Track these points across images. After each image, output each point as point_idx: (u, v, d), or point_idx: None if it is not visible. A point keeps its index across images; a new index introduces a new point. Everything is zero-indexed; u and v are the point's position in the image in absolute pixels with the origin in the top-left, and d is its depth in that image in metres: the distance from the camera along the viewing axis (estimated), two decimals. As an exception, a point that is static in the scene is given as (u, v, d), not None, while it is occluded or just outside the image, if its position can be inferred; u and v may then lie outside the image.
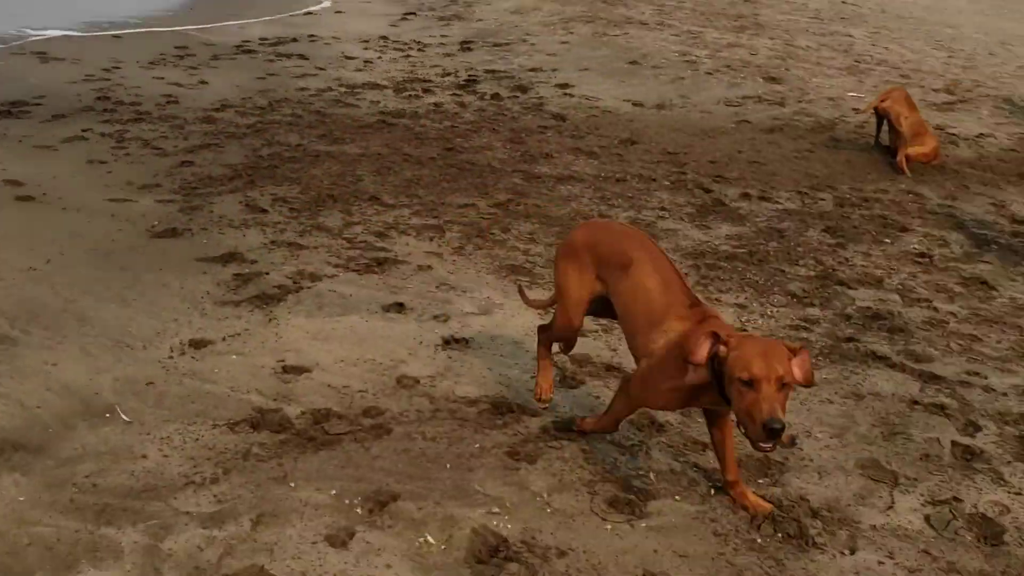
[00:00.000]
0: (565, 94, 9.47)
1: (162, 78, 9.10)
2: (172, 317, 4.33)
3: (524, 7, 13.97)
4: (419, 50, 11.37)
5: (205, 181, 6.28)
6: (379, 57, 10.82)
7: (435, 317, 4.60)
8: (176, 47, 10.61)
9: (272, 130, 7.59)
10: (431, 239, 5.64)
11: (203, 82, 9.07)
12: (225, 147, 7.05)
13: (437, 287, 4.98)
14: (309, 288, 4.78)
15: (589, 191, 6.75)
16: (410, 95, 9.14)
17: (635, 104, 9.21)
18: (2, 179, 6.00)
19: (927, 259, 5.85)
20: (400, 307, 4.65)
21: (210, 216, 5.64)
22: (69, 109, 7.75)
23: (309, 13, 13.80)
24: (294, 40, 11.46)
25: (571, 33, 12.11)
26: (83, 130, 7.18)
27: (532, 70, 10.35)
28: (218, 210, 5.75)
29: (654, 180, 7.06)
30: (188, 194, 6.02)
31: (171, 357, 3.96)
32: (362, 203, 6.14)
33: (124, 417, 3.49)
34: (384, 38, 11.98)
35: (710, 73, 10.24)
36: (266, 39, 11.42)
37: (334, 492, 3.13)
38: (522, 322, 4.60)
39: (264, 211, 5.80)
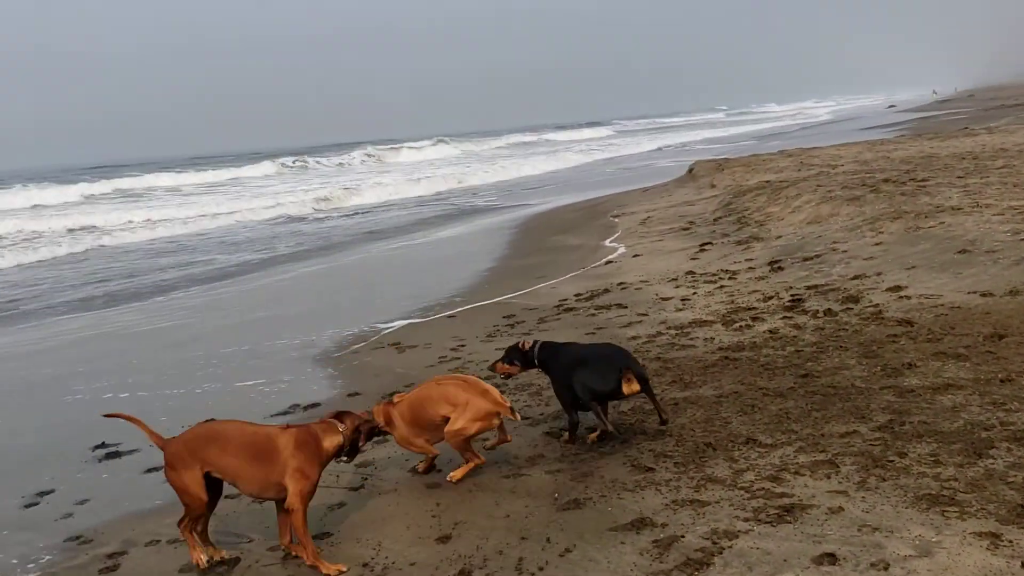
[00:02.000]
0: (901, 297, 9.12)
1: (502, 348, 9.75)
2: (612, 595, 4.36)
3: (820, 216, 13.94)
4: (730, 278, 11.54)
5: (583, 445, 6.50)
6: (694, 293, 11.07)
7: (872, 565, 4.31)
8: (504, 316, 11.44)
9: (621, 384, 7.83)
10: (828, 476, 5.42)
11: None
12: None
13: (859, 530, 4.71)
14: (730, 548, 4.68)
15: (976, 398, 6.28)
16: (740, 326, 9.19)
17: (984, 295, 8.67)
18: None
19: None
20: (832, 558, 4.42)
21: (603, 481, 5.78)
22: (437, 393, 8.45)
23: (609, 262, 14.56)
24: (606, 291, 12.05)
25: (881, 233, 11.85)
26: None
27: (855, 278, 10.13)
28: (607, 474, 5.89)
29: (1045, 375, 6.46)
30: (572, 461, 6.24)
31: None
32: (740, 447, 6.07)
33: None
34: (691, 273, 12.31)
35: (1056, 247, 9.52)
36: (580, 294, 12.10)
37: None
38: (971, 560, 4.20)
39: (651, 469, 5.87)
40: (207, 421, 5.55)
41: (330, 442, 5.30)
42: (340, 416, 5.47)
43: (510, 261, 16.41)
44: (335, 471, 6.57)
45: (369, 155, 69.48)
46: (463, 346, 10.13)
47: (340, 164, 66.35)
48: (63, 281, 19.83)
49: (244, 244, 24.34)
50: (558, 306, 11.57)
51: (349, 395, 8.56)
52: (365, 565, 5.07)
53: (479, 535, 5.25)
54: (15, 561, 5.72)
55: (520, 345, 6.96)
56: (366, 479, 6.41)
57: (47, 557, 5.72)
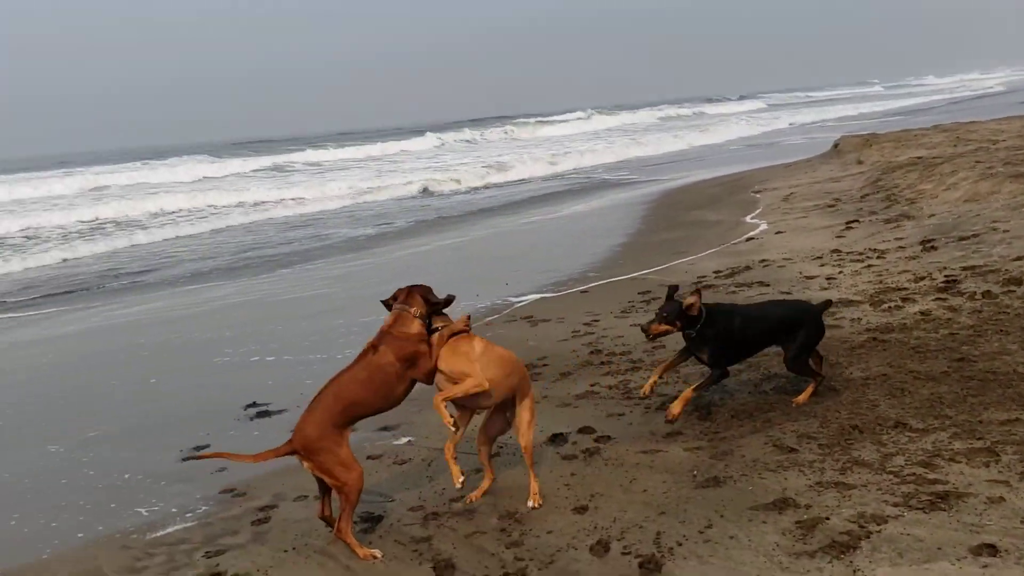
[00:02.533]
0: (1071, 279, 8.51)
1: (639, 324, 9.62)
2: (755, 572, 4.27)
3: (979, 194, 13.15)
4: (878, 257, 11.05)
5: (722, 424, 6.38)
6: (839, 272, 10.66)
7: (1037, 559, 4.05)
8: (639, 292, 11.30)
9: (765, 363, 7.61)
10: (987, 465, 5.13)
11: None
12: (727, 386, 7.17)
13: (1022, 522, 4.43)
14: (878, 532, 4.50)
15: None
16: (890, 306, 8.79)
17: None
18: (576, 430, 6.56)
19: None
20: (992, 549, 4.19)
21: (743, 460, 5.65)
22: (571, 366, 8.44)
23: (751, 239, 14.18)
24: (748, 268, 11.74)
25: (1048, 212, 11.08)
26: (591, 384, 7.75)
27: (1018, 259, 9.51)
28: (748, 453, 5.76)
29: None
30: (712, 439, 6.13)
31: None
32: (889, 431, 5.81)
33: None
34: (836, 251, 11.85)
35: None
36: (720, 271, 11.84)
37: None
38: None
39: (794, 450, 5.70)
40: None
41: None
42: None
43: (646, 236, 16.22)
44: (474, 437, 6.68)
45: (512, 128, 69.19)
46: (596, 321, 10.09)
47: (505, 134, 65.93)
48: (219, 249, 20.86)
49: (379, 218, 24.95)
50: (696, 283, 11.34)
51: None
52: (503, 531, 5.13)
53: (616, 508, 5.23)
54: (174, 510, 6.07)
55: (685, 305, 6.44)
56: (501, 447, 6.48)
57: (203, 508, 6.05)
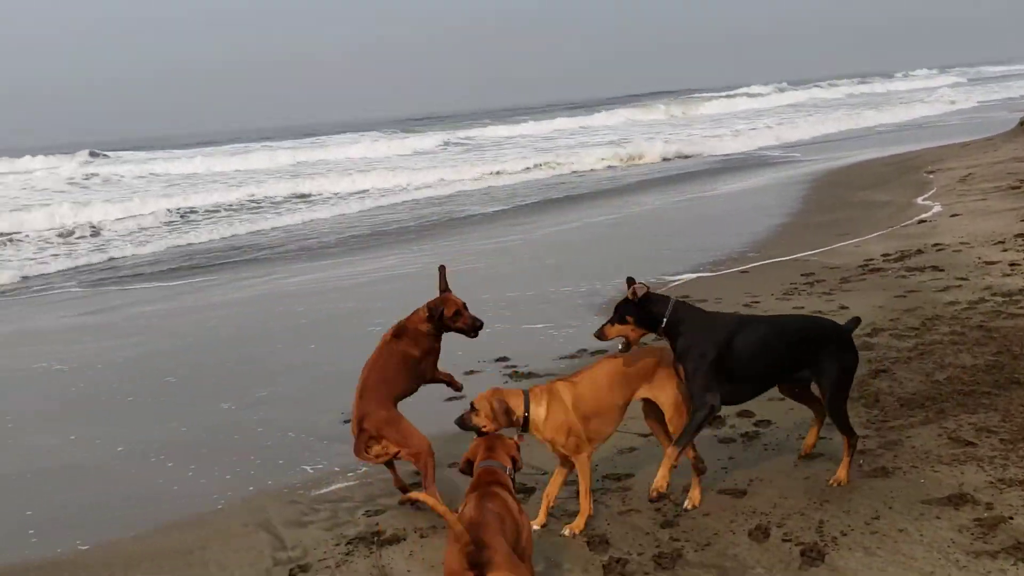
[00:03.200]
0: None
1: (802, 307, 9.30)
2: (928, 569, 4.04)
3: None
4: (1072, 242, 10.21)
5: (891, 413, 6.06)
6: (1024, 257, 9.92)
7: None
8: (802, 274, 10.87)
9: (938, 352, 7.19)
10: None
11: (843, 307, 9.06)
12: (896, 374, 6.81)
13: None
14: (1069, 537, 4.16)
15: None
16: (1083, 296, 8.11)
17: None
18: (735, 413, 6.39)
19: None
20: None
21: (914, 452, 5.36)
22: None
23: (923, 221, 13.41)
24: (919, 252, 11.10)
25: None
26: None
27: None
28: (919, 444, 5.45)
29: None
30: (880, 427, 5.84)
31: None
32: (1082, 429, 5.36)
33: None
34: (1021, 236, 11.03)
35: None
36: (888, 255, 11.25)
37: None
38: None
39: (971, 444, 5.36)
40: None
41: None
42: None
43: (807, 216, 15.61)
44: (627, 416, 6.62)
45: (674, 106, 67.33)
46: (757, 302, 9.78)
47: (680, 112, 64.12)
48: (376, 224, 21.52)
49: (528, 193, 25.05)
50: (863, 266, 10.84)
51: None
52: (657, 510, 5.06)
53: (776, 494, 5.06)
54: (337, 469, 6.32)
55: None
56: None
57: (363, 468, 6.26)
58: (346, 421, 7.19)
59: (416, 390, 5.83)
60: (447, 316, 5.74)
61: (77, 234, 22.62)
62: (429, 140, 49.80)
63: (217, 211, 26.31)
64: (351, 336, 10.27)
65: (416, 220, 21.52)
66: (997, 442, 5.34)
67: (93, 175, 40.20)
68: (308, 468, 6.41)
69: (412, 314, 5.85)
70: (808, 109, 55.83)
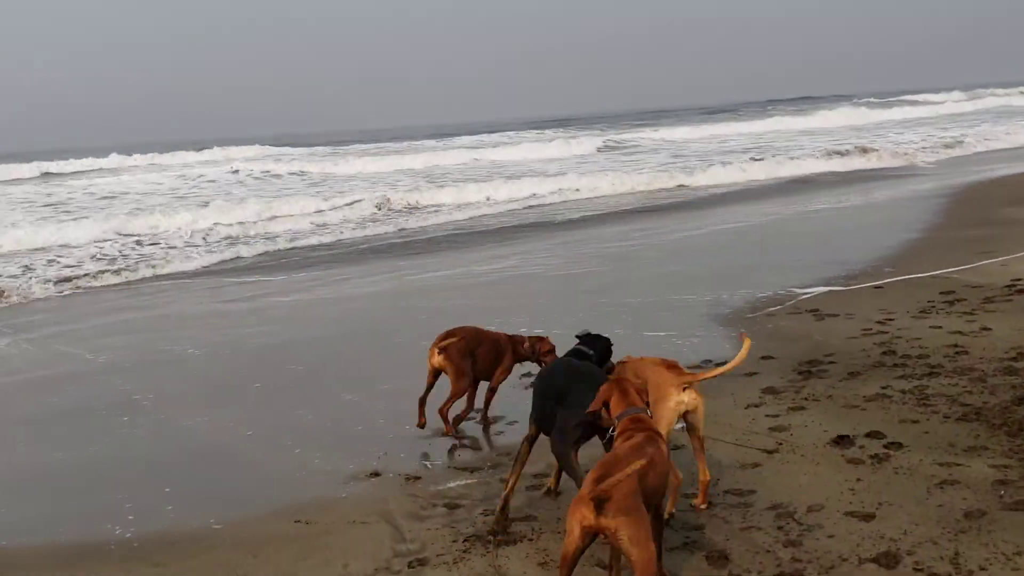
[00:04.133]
0: None
1: (940, 327, 8.88)
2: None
3: None
4: None
5: (1034, 443, 5.72)
6: None
7: None
8: (941, 292, 10.37)
9: (1092, 379, 6.74)
10: None
11: (986, 328, 8.61)
12: (1044, 401, 6.42)
13: None
14: None
15: None
16: None
17: None
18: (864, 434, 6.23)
19: None
20: None
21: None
22: (861, 366, 7.91)
23: (1076, 240, 12.59)
24: (1072, 272, 10.44)
25: None
26: (882, 387, 7.23)
27: None
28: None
29: None
30: (1023, 457, 5.52)
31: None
32: None
33: None
34: None
35: None
36: (1038, 275, 10.61)
37: None
38: None
39: None
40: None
41: None
42: None
43: (948, 232, 14.89)
44: (751, 430, 6.49)
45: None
46: (891, 319, 9.39)
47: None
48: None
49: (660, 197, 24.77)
50: (1009, 286, 10.25)
51: (763, 358, 8.35)
52: (780, 528, 4.93)
53: (908, 520, 4.85)
54: (455, 467, 6.44)
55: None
56: (781, 444, 6.22)
57: (482, 467, 6.33)
58: (468, 419, 7.33)
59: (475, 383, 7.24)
60: (540, 351, 7.28)
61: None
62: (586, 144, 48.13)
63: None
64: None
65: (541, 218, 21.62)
66: None
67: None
68: (428, 463, 6.53)
69: (522, 339, 7.40)
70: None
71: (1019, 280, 10.46)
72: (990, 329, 8.57)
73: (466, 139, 61.63)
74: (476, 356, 7.07)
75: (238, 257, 19.05)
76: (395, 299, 13.10)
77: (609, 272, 13.89)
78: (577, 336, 5.70)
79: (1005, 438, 5.88)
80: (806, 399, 7.12)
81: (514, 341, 7.32)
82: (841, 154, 31.52)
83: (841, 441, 6.10)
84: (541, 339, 7.37)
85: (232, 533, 5.61)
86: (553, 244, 17.70)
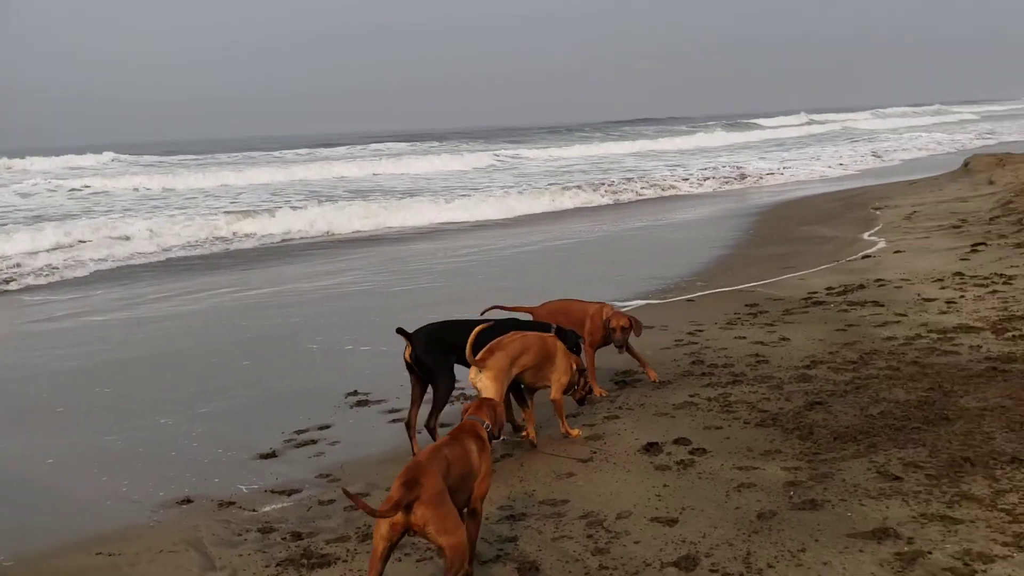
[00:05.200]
0: None
1: (744, 337, 9.44)
2: (849, 604, 4.12)
3: (1120, 221, 12.33)
4: (1005, 283, 10.52)
5: (824, 446, 6.17)
6: (961, 296, 10.19)
7: None
8: (746, 305, 11.03)
9: (873, 386, 7.34)
10: (1111, 511, 4.80)
11: (784, 338, 9.22)
12: (831, 406, 6.94)
13: None
14: (984, 572, 4.29)
15: None
16: (1014, 335, 8.35)
17: None
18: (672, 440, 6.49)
19: None
20: (1110, 602, 3.91)
21: (843, 485, 5.46)
22: (672, 375, 8.30)
23: (867, 256, 13.70)
24: (861, 287, 11.34)
25: None
26: (690, 395, 7.62)
27: None
28: (849, 478, 5.55)
29: None
30: (811, 460, 5.94)
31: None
32: (1004, 466, 5.52)
33: None
34: (959, 274, 11.33)
35: None
36: (832, 288, 11.47)
37: None
38: None
39: (898, 478, 5.47)
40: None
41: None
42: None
43: (755, 248, 15.88)
44: (568, 440, 6.68)
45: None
46: (700, 331, 9.91)
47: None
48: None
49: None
50: (806, 299, 11.03)
51: (581, 370, 8.58)
52: (589, 537, 5.09)
53: (707, 523, 5.12)
54: (272, 490, 6.24)
55: None
56: (595, 452, 6.44)
57: (300, 490, 6.21)
58: (287, 440, 7.17)
59: None
60: None
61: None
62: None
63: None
64: (293, 352, 10.22)
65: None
66: (923, 477, 5.47)
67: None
68: (243, 487, 6.33)
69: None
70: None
71: (815, 293, 11.27)
72: (788, 339, 9.18)
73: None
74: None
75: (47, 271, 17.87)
76: (217, 317, 12.65)
77: (442, 288, 13.95)
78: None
79: (797, 441, 6.31)
80: (620, 408, 7.40)
81: None
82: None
83: (651, 448, 6.38)
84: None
85: (25, 570, 5.26)
86: (385, 260, 17.64)
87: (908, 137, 53.92)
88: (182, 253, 20.04)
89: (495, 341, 6.37)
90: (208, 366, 9.86)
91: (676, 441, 6.48)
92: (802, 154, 44.63)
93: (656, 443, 6.45)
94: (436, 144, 69.72)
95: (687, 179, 33.09)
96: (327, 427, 7.51)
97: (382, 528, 4.10)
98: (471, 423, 4.89)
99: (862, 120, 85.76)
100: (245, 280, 15.97)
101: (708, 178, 33.33)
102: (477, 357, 6.20)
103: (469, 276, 15.07)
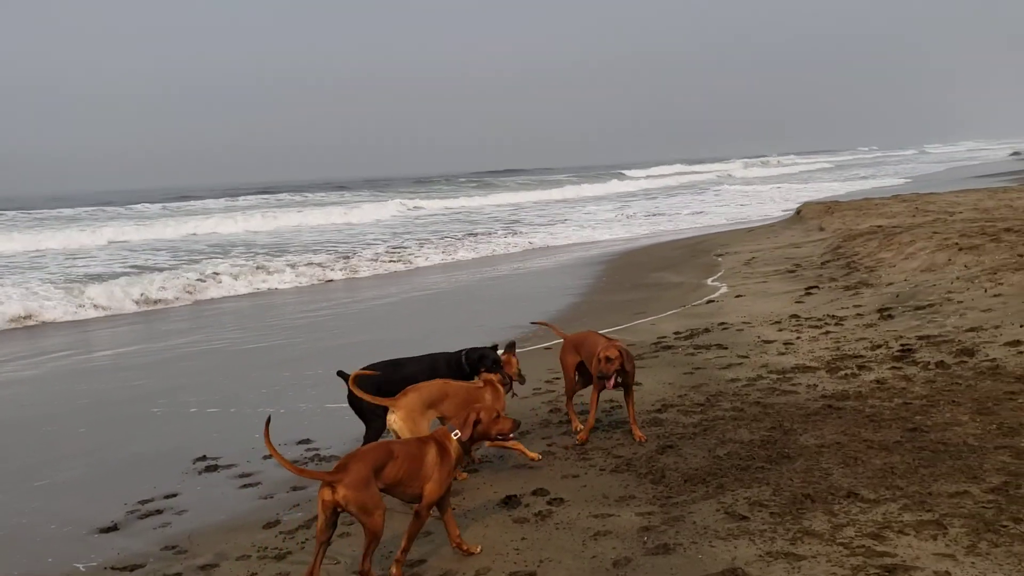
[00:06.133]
0: (1020, 352, 8.64)
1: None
2: (700, 647, 4.20)
3: (935, 264, 13.39)
4: (836, 324, 11.17)
5: (675, 489, 6.34)
6: (797, 337, 10.76)
7: (982, 637, 4.04)
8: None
9: (720, 427, 7.62)
10: (934, 538, 5.13)
11: (636, 383, 9.45)
12: (681, 449, 7.16)
13: (967, 597, 4.43)
14: (826, 606, 4.47)
15: (1101, 465, 5.86)
16: (846, 374, 8.87)
17: (1113, 354, 8.14)
18: (530, 492, 6.48)
19: None
20: (937, 626, 4.16)
21: (694, 528, 5.61)
22: (530, 424, 8.37)
23: (711, 301, 14.30)
24: (707, 330, 11.81)
25: (1000, 284, 11.29)
26: (548, 444, 7.69)
27: (971, 330, 9.67)
28: (699, 520, 5.72)
29: None
30: (664, 504, 6.08)
31: None
32: (841, 500, 5.81)
33: None
34: (795, 316, 11.97)
35: None
36: (680, 332, 11.89)
37: None
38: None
39: (745, 518, 5.67)
40: None
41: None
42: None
43: (608, 295, 16.30)
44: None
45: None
46: (558, 378, 10.03)
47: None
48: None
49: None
50: (656, 343, 11.39)
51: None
52: (448, 595, 5.03)
53: (565, 574, 5.15)
54: (114, 566, 5.89)
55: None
56: (453, 508, 6.38)
57: (144, 564, 5.87)
58: (131, 511, 6.79)
59: None
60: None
61: None
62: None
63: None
64: (137, 417, 9.74)
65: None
66: (768, 515, 5.69)
67: None
68: (80, 566, 5.94)
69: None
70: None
71: (664, 337, 11.65)
72: (640, 384, 9.42)
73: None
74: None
75: None
76: (54, 383, 11.92)
77: (299, 343, 13.64)
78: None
79: (650, 486, 6.46)
80: (479, 462, 7.39)
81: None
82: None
83: (509, 501, 6.38)
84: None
85: None
86: (241, 317, 17.11)
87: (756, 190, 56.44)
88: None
89: (418, 384, 6.81)
90: (43, 436, 9.27)
91: (535, 492, 6.51)
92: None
93: (515, 495, 6.46)
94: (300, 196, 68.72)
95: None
96: (173, 495, 7.17)
97: (320, 498, 4.89)
98: (442, 430, 5.46)
99: (736, 169, 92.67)
100: (85, 342, 15.15)
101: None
102: (396, 397, 6.60)
103: (326, 331, 14.82)
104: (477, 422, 5.58)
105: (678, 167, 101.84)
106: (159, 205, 62.91)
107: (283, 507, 6.78)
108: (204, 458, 8.03)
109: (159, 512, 6.85)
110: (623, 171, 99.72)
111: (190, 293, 20.04)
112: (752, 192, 53.55)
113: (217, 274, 21.91)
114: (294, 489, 7.11)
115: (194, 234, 38.66)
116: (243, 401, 10.07)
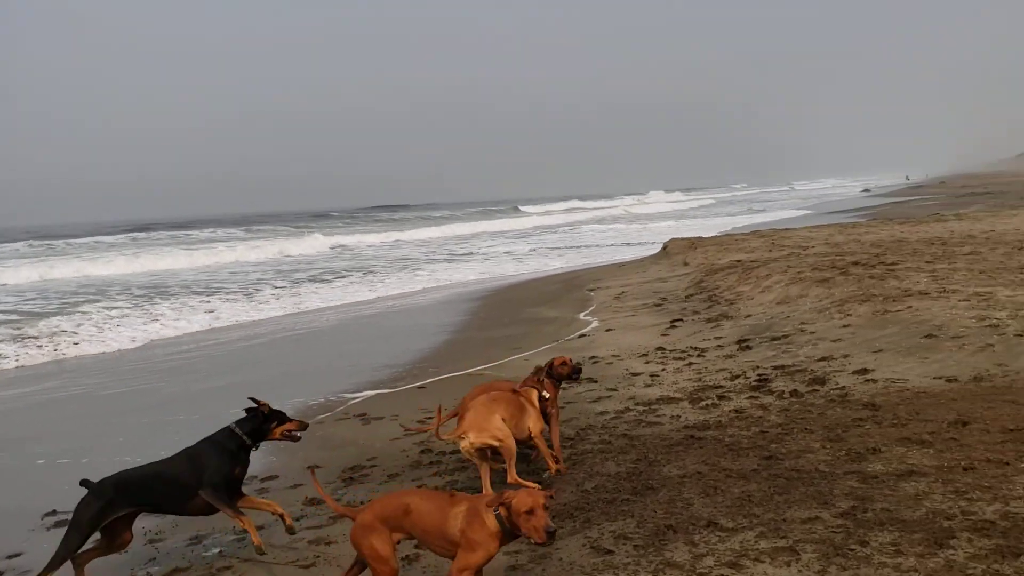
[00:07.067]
0: (867, 380, 9.15)
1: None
2: None
3: (789, 297, 14.04)
4: (699, 355, 11.55)
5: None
6: (663, 369, 11.07)
7: (829, 658, 4.21)
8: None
9: (588, 461, 7.75)
10: (788, 564, 5.34)
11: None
12: (552, 485, 7.22)
13: (817, 621, 4.61)
14: (685, 636, 4.57)
15: (938, 485, 6.24)
16: (707, 404, 9.17)
17: (949, 380, 8.71)
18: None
19: None
20: (788, 650, 4.32)
21: (560, 564, 5.67)
22: (400, 466, 8.30)
23: (583, 336, 14.56)
24: (578, 365, 11.99)
25: (849, 315, 11.94)
26: (418, 486, 7.63)
27: (822, 360, 10.17)
28: (566, 556, 5.78)
29: (1007, 464, 6.45)
30: (531, 542, 6.11)
31: None
32: (701, 530, 5.98)
33: None
34: (661, 349, 12.32)
35: (1021, 335, 9.60)
36: (552, 368, 12.02)
37: None
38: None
39: (610, 552, 5.77)
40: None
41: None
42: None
43: (484, 331, 16.38)
44: (290, 545, 6.44)
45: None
46: (430, 418, 9.99)
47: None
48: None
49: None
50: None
51: (308, 467, 8.40)
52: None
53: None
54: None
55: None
56: (318, 557, 6.26)
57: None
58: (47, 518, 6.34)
59: None
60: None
61: None
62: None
63: None
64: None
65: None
66: (631, 548, 5.80)
67: None
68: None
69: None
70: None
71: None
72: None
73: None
74: None
75: None
76: None
77: (164, 388, 13.13)
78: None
79: (520, 523, 6.47)
80: (347, 507, 7.25)
81: None
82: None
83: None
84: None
85: None
86: (105, 361, 16.33)
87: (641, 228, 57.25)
88: None
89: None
90: None
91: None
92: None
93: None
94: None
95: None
96: (17, 555, 6.76)
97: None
98: (481, 499, 5.07)
99: (633, 205, 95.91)
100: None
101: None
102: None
103: (191, 373, 14.32)
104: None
105: (574, 202, 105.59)
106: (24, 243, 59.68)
107: (139, 562, 6.49)
108: (54, 512, 7.60)
109: (1, 574, 6.44)
110: (520, 206, 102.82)
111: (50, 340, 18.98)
112: (632, 229, 54.89)
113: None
114: (151, 543, 6.82)
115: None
116: (98, 451, 9.61)
